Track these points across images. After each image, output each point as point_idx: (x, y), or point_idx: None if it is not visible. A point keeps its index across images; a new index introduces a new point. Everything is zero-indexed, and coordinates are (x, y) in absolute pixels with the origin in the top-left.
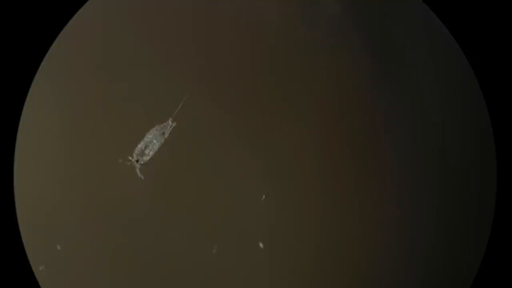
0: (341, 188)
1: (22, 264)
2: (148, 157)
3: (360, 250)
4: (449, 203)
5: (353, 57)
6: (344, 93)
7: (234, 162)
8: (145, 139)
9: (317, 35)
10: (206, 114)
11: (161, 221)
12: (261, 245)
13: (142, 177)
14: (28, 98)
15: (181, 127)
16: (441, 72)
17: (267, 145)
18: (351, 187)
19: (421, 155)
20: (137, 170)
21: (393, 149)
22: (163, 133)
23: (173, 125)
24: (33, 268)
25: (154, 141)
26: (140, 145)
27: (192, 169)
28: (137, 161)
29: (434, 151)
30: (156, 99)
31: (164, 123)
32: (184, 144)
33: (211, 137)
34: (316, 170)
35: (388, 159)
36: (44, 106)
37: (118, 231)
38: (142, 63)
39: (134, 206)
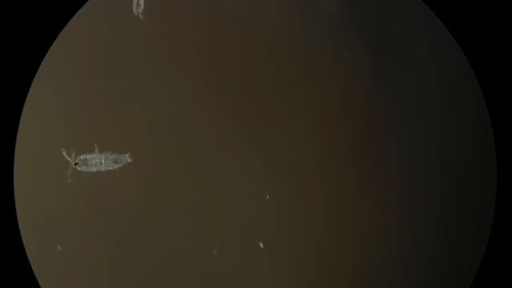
0: (341, 188)
1: (22, 264)
2: (86, 169)
3: (360, 250)
4: (449, 203)
5: (353, 57)
6: (344, 93)
7: (233, 162)
8: (100, 155)
9: (317, 35)
10: (205, 113)
11: (161, 221)
12: (261, 245)
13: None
14: (28, 98)
15: (181, 126)
16: (441, 72)
17: (266, 144)
18: (351, 187)
19: (421, 155)
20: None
21: (393, 149)
22: (116, 162)
23: (129, 161)
24: (33, 267)
25: (103, 161)
26: (91, 156)
27: (192, 169)
28: (75, 163)
29: (434, 151)
30: (156, 99)
31: (122, 156)
32: (183, 143)
33: (211, 137)
34: (316, 170)
35: (388, 159)
36: (44, 106)
37: (118, 231)
38: (142, 63)
39: (134, 206)
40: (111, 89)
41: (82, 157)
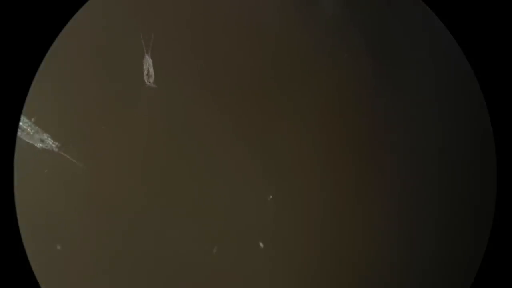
0: (341, 188)
1: (22, 264)
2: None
3: (360, 250)
4: (449, 203)
5: (353, 57)
6: (344, 93)
7: (234, 163)
8: (34, 127)
9: (317, 35)
10: (206, 114)
11: (161, 221)
12: (261, 245)
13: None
14: (28, 98)
15: (182, 127)
16: (441, 72)
17: (267, 145)
18: (351, 187)
19: (421, 155)
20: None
21: (393, 149)
22: (41, 141)
23: (54, 148)
24: (33, 267)
25: (31, 132)
26: (28, 123)
27: (192, 169)
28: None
29: (434, 151)
30: (156, 100)
31: (48, 141)
32: (184, 144)
33: (211, 138)
34: (316, 170)
35: (388, 159)
36: (44, 106)
37: (118, 231)
38: (142, 63)
39: (134, 207)
40: (111, 89)
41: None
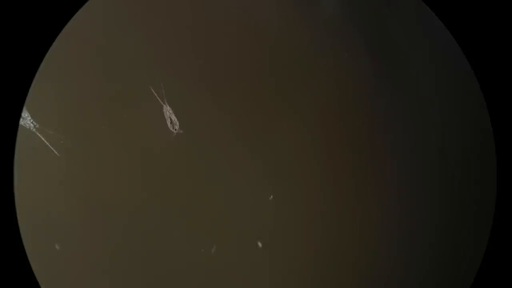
0: (341, 188)
1: (22, 264)
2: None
3: (360, 250)
4: (449, 203)
5: (353, 57)
6: (344, 93)
7: (233, 162)
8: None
9: (317, 35)
10: (205, 114)
11: (161, 221)
12: (259, 244)
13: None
14: (28, 98)
15: (181, 127)
16: (441, 72)
17: (266, 145)
18: (351, 187)
19: (421, 155)
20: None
21: (393, 149)
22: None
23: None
24: (33, 267)
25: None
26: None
27: (192, 169)
28: None
29: (434, 151)
30: (155, 100)
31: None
32: (183, 144)
33: (211, 137)
34: (315, 170)
35: (388, 160)
36: (44, 106)
37: (117, 231)
38: (141, 63)
39: (133, 206)
40: (111, 89)
41: None
